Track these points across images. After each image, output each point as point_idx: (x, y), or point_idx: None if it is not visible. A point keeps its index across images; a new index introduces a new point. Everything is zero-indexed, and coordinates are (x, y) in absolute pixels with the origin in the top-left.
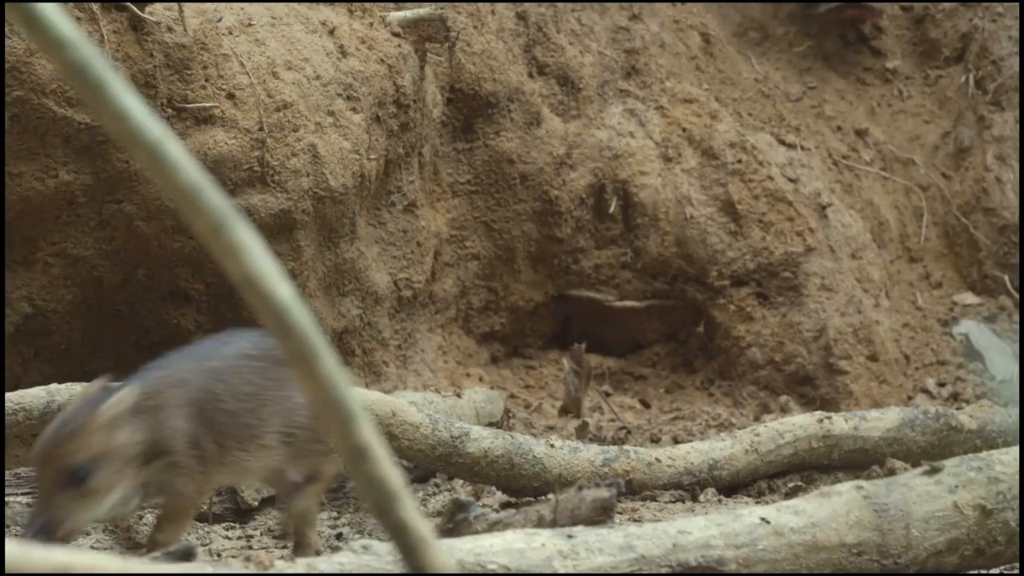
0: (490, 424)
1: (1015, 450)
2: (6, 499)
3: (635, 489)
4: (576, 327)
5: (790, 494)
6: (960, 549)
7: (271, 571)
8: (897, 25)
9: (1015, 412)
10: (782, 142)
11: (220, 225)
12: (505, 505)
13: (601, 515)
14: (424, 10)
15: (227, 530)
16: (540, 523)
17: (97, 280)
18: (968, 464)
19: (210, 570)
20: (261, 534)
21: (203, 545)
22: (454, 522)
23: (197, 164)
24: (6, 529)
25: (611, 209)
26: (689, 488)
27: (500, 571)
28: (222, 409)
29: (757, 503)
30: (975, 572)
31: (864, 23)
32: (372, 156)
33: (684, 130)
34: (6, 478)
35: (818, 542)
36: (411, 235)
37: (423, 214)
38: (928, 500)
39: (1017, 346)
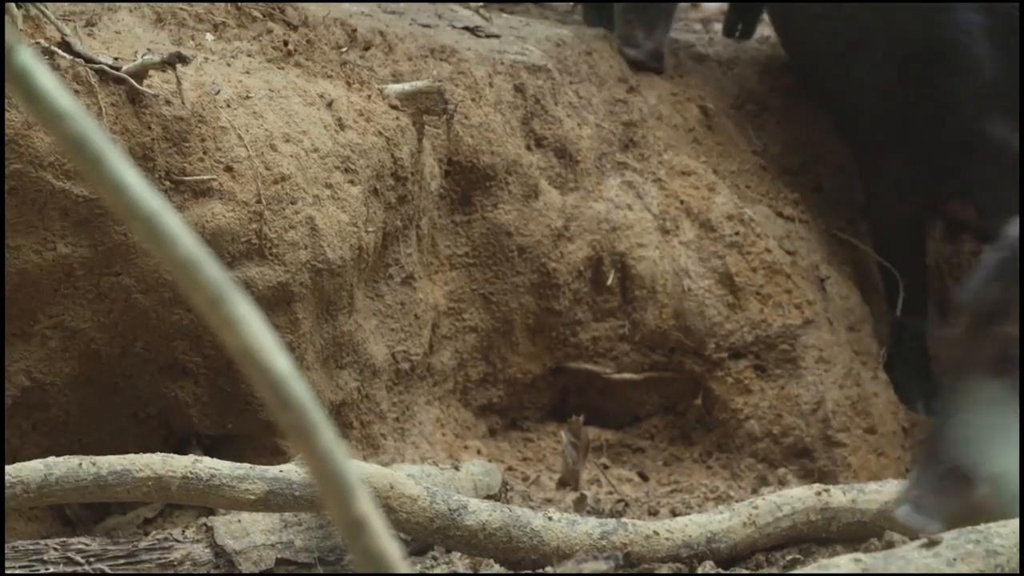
0: (488, 497)
1: (1013, 523)
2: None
3: (633, 562)
4: (574, 399)
5: (788, 567)
6: None
7: None
8: None
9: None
10: (780, 214)
11: (218, 298)
12: None
13: None
14: (422, 82)
15: None
16: None
17: (95, 353)
18: (966, 537)
19: None
20: None
21: None
22: None
23: (195, 237)
24: None
25: (609, 281)
26: (687, 561)
27: None
28: None
29: None
30: None
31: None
32: (370, 229)
33: (682, 202)
34: (4, 551)
35: None
36: (409, 308)
37: (421, 287)
38: (926, 573)
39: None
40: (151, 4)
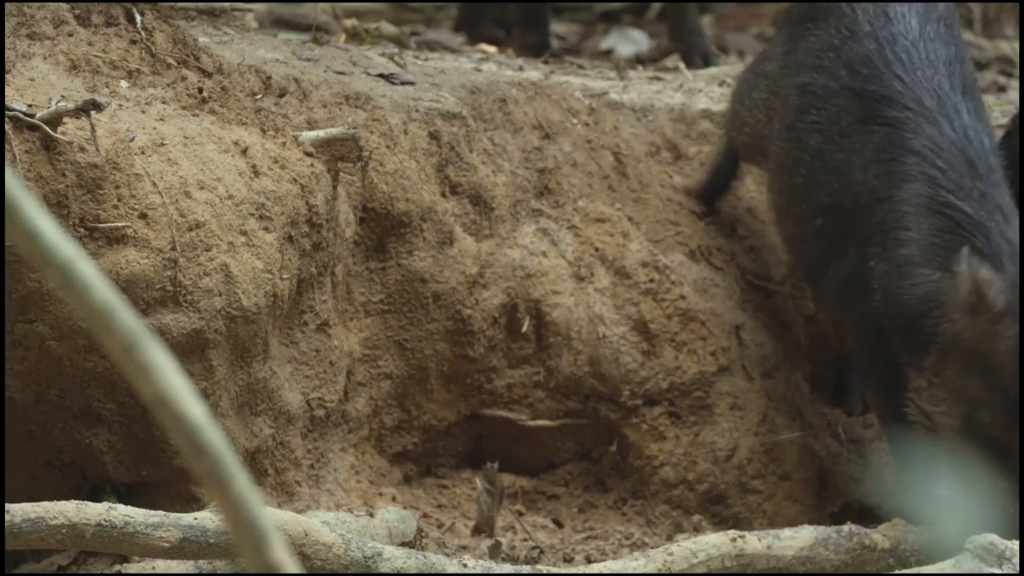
0: (403, 544)
1: (927, 570)
2: None
3: None
4: (489, 446)
5: None
6: None
7: None
8: None
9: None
10: (695, 261)
11: (132, 345)
12: None
13: None
14: (337, 130)
15: None
16: None
17: (9, 400)
18: None
19: None
20: None
21: None
22: None
23: (109, 284)
24: None
25: (524, 328)
26: None
27: None
28: None
29: None
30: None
31: None
32: (285, 276)
33: (597, 249)
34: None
35: None
36: (324, 354)
37: (336, 333)
38: None
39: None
40: (65, 51)
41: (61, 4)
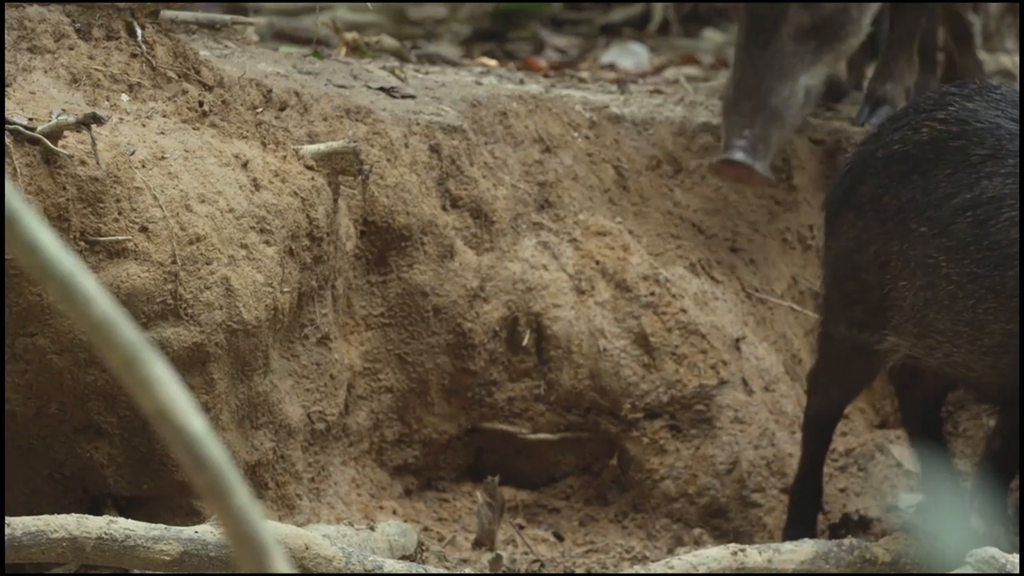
0: (404, 557)
1: None
2: None
3: None
4: (489, 460)
5: None
6: None
7: None
8: (809, 157)
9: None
10: (695, 275)
11: (133, 358)
12: None
13: None
14: (337, 143)
15: None
16: None
17: (10, 413)
18: None
19: None
20: None
21: None
22: None
23: (110, 297)
24: None
25: (524, 342)
26: None
27: None
28: None
29: None
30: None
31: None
32: (285, 289)
33: (597, 263)
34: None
35: None
36: (324, 368)
37: (336, 347)
38: None
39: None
40: (66, 64)
41: (62, 18)
